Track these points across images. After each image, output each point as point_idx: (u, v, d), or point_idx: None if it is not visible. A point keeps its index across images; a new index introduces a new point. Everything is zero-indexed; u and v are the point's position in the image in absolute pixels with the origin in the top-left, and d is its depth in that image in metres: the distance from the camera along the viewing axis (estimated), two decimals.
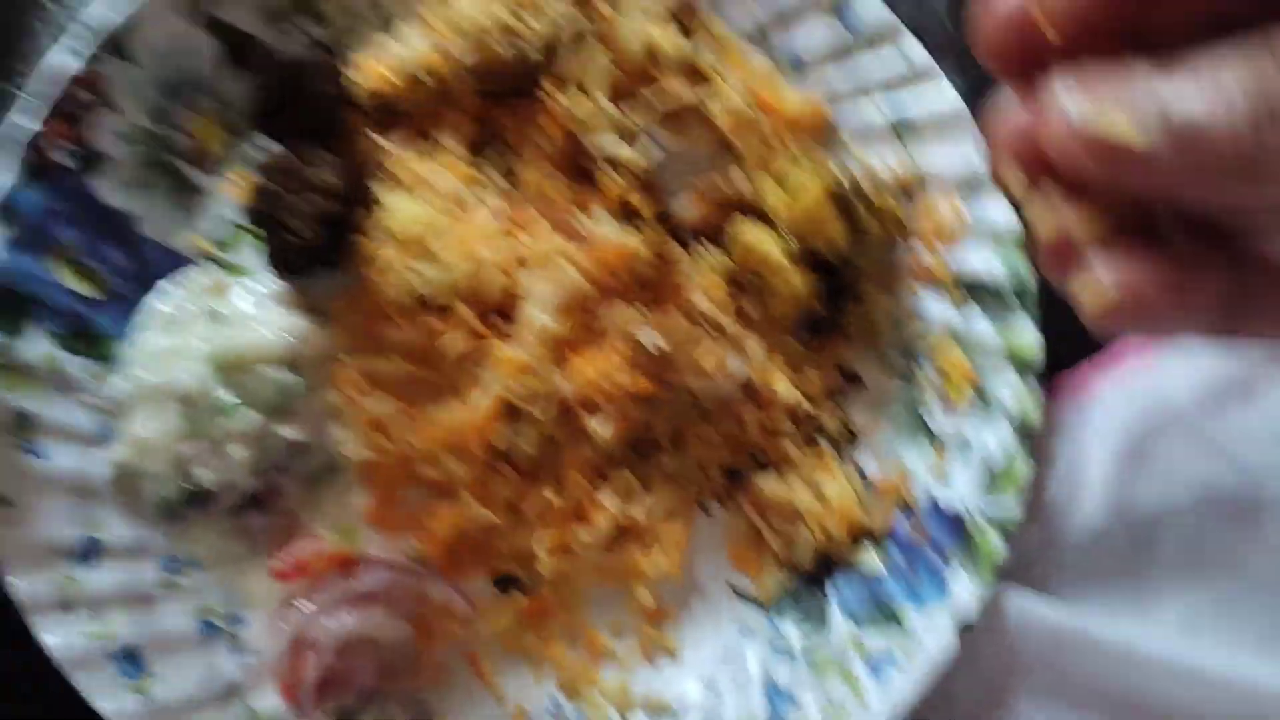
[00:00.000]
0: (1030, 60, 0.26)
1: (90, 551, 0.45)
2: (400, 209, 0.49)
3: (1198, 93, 0.23)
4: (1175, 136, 0.23)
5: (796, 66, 0.54)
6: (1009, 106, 0.27)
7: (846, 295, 0.51)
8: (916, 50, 0.53)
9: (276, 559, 0.47)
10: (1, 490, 0.44)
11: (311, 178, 0.48)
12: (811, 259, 0.50)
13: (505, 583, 0.51)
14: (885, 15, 0.53)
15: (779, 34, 0.54)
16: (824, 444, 0.52)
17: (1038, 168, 0.26)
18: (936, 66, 0.53)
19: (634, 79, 0.51)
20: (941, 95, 0.52)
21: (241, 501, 0.47)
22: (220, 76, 0.51)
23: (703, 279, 0.49)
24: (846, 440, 0.52)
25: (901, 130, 0.53)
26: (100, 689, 0.44)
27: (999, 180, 0.28)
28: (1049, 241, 0.27)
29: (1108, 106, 0.23)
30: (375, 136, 0.50)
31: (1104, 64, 0.24)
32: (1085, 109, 0.24)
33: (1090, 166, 0.24)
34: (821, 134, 0.53)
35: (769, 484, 0.51)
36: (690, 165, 0.50)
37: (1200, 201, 0.25)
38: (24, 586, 0.43)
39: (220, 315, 0.49)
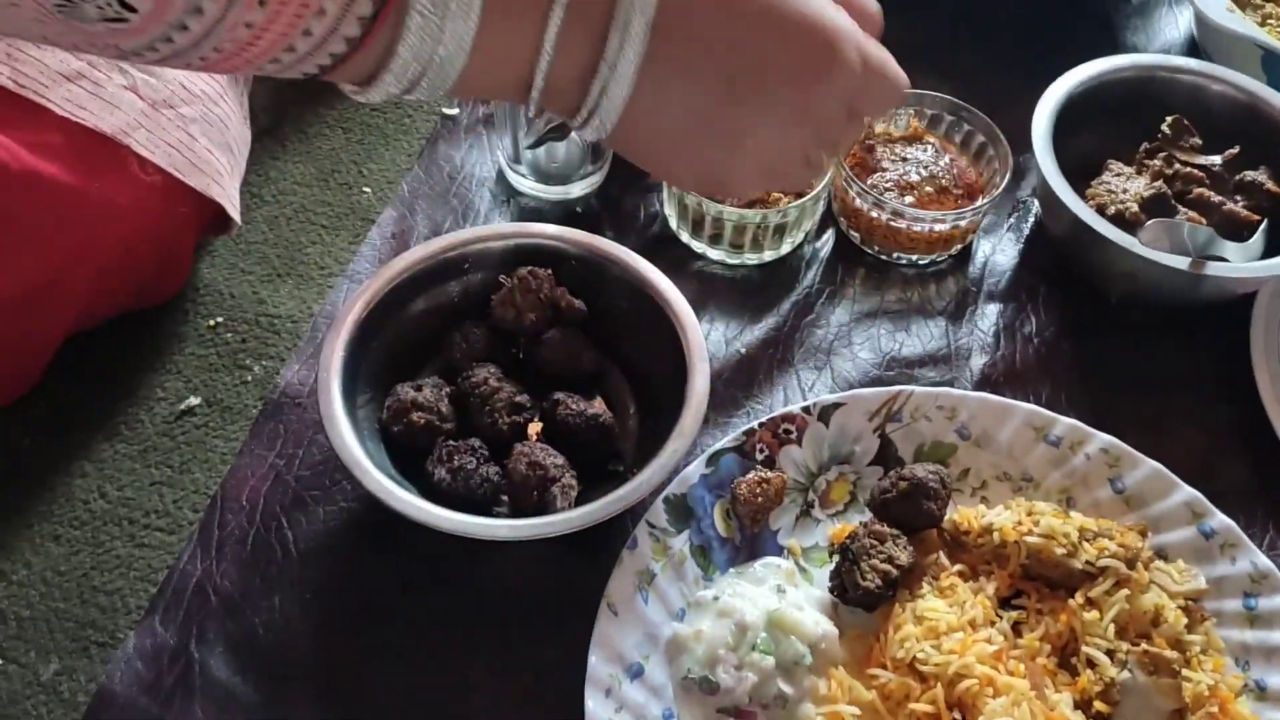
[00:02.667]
0: None
1: (637, 673, 0.66)
2: (932, 603, 0.68)
3: None
4: None
5: (1261, 693, 0.68)
6: None
7: None
8: None
9: None
10: (617, 604, 0.68)
11: (890, 550, 0.70)
12: None
13: None
14: None
15: (1260, 665, 0.68)
16: None
17: None
18: None
19: (1135, 626, 0.68)
20: None
21: (729, 706, 0.66)
22: (865, 464, 0.77)
23: None
24: None
25: None
26: None
27: None
28: None
29: None
30: (942, 555, 0.71)
31: None
32: None
33: None
34: None
35: None
36: (1147, 703, 0.65)
37: None
38: (594, 664, 0.65)
39: (783, 592, 0.70)
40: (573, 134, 0.85)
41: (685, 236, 0.89)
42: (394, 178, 0.93)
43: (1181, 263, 0.79)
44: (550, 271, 0.78)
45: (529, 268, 0.77)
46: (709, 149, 0.52)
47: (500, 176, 0.93)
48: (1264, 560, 0.71)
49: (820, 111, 0.53)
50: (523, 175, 0.91)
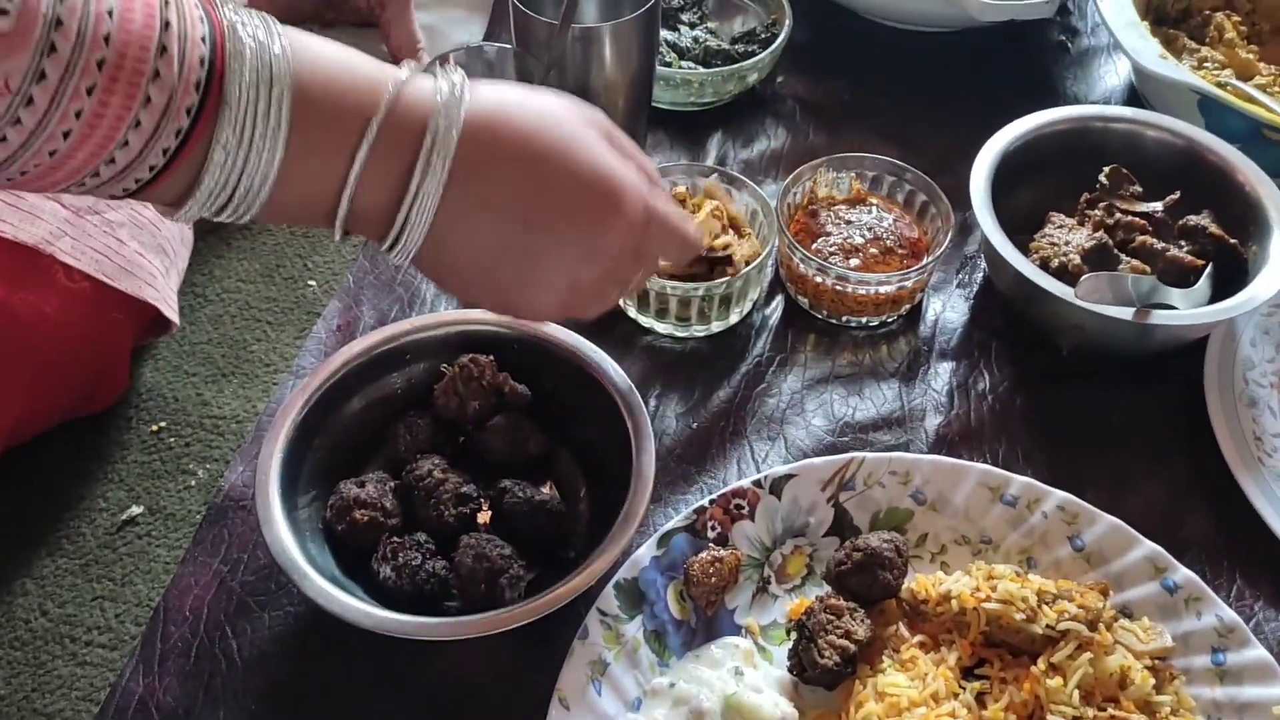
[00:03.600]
0: None
1: None
2: (893, 678, 0.67)
3: None
4: None
5: None
6: None
7: None
8: None
9: None
10: (569, 697, 0.66)
11: (848, 624, 0.69)
12: None
13: None
14: None
15: None
16: None
17: None
18: None
19: (1102, 689, 0.66)
20: None
21: None
22: (821, 535, 0.75)
23: None
24: None
25: None
26: None
27: None
28: None
29: None
30: (902, 625, 0.70)
31: None
32: None
33: None
34: None
35: None
36: None
37: None
38: None
39: (740, 674, 0.69)
40: None
41: (632, 311, 0.89)
42: (339, 269, 0.92)
43: (1126, 313, 0.78)
44: (492, 358, 0.77)
45: (470, 355, 0.77)
46: (505, 278, 0.57)
47: None
48: (1230, 614, 0.69)
49: (607, 253, 0.58)
50: None
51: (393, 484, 0.74)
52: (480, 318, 0.79)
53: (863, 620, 0.69)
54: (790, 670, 0.69)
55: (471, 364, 0.76)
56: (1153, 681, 0.66)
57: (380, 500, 0.72)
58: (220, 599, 0.72)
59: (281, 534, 0.67)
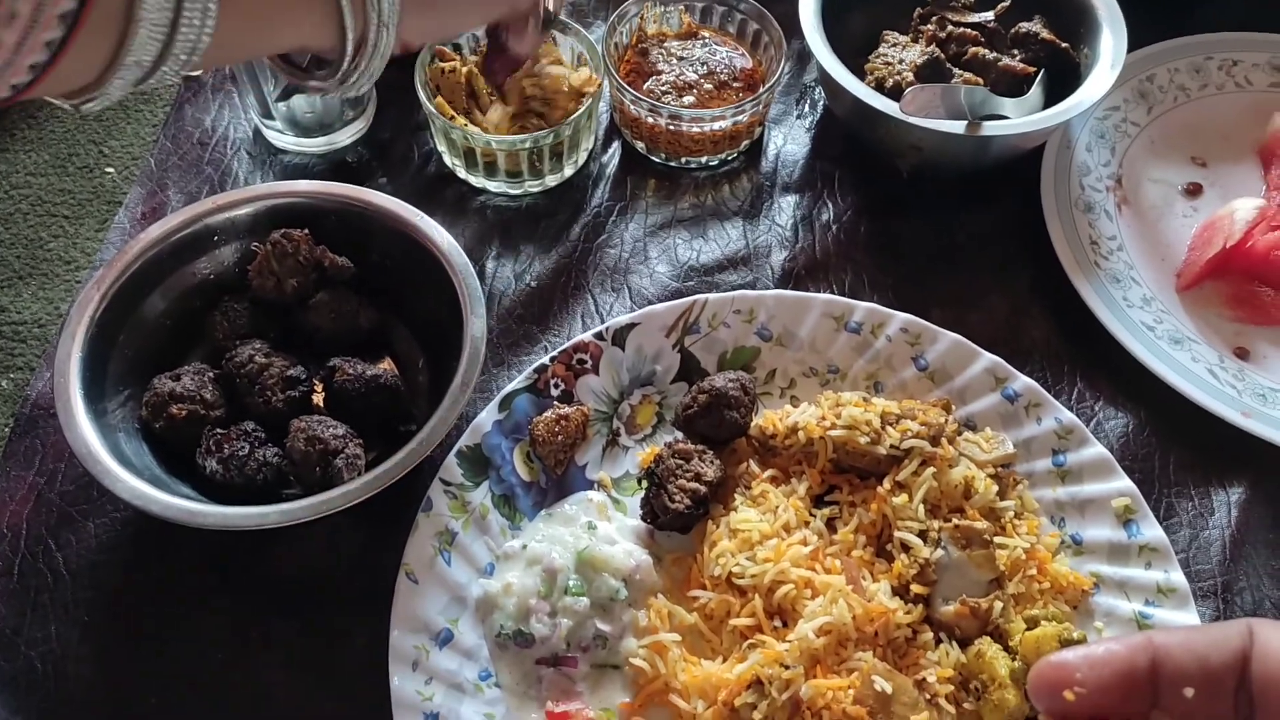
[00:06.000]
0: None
1: (445, 639, 0.63)
2: (744, 514, 0.66)
3: None
4: None
5: (1078, 547, 0.68)
6: None
7: None
8: (1179, 578, 0.65)
9: (551, 704, 0.62)
10: (416, 571, 0.64)
11: (697, 467, 0.68)
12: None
13: None
14: (1164, 540, 0.66)
15: (1074, 519, 0.68)
16: None
17: None
18: (1190, 596, 0.64)
19: (947, 501, 0.67)
20: (1189, 618, 0.63)
21: (548, 656, 0.63)
22: (669, 382, 0.74)
23: (939, 665, 0.62)
24: None
25: (1145, 629, 0.64)
26: None
27: None
28: None
29: None
30: (752, 462, 0.69)
31: None
32: None
33: None
34: (1077, 603, 0.66)
35: None
36: (964, 577, 0.64)
37: None
38: (396, 638, 0.62)
39: (594, 528, 0.68)
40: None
41: (462, 172, 0.84)
42: (139, 153, 0.85)
43: (959, 127, 0.76)
44: (307, 231, 0.72)
45: (283, 230, 0.72)
46: None
47: (258, 135, 0.86)
48: (1068, 415, 0.70)
49: None
50: (280, 131, 0.85)
51: (213, 374, 0.69)
52: (292, 189, 0.74)
53: (712, 461, 0.68)
54: (643, 518, 0.68)
55: (285, 240, 0.71)
56: (996, 489, 0.67)
57: (199, 392, 0.68)
58: (40, 512, 0.68)
59: (87, 436, 0.62)
